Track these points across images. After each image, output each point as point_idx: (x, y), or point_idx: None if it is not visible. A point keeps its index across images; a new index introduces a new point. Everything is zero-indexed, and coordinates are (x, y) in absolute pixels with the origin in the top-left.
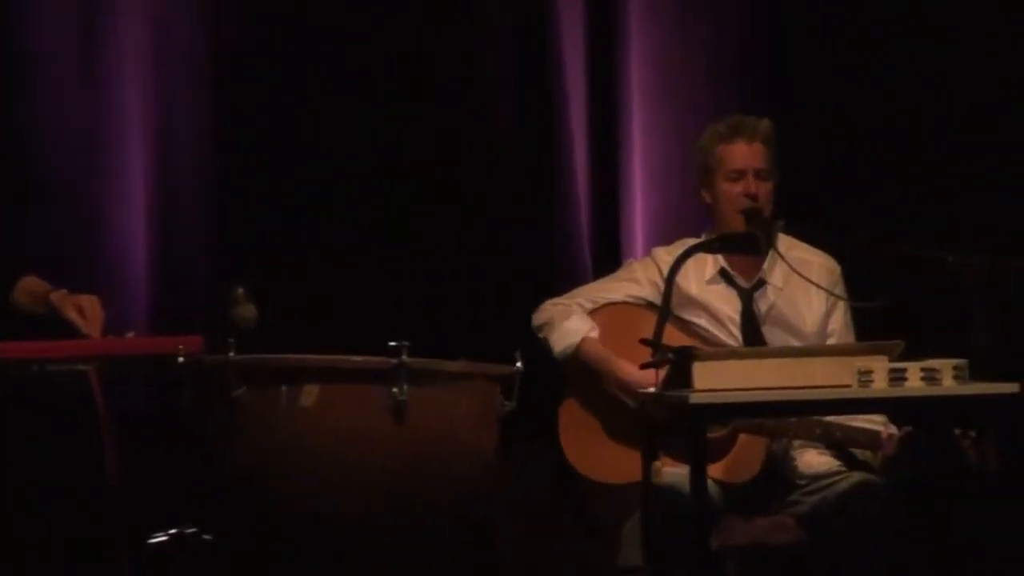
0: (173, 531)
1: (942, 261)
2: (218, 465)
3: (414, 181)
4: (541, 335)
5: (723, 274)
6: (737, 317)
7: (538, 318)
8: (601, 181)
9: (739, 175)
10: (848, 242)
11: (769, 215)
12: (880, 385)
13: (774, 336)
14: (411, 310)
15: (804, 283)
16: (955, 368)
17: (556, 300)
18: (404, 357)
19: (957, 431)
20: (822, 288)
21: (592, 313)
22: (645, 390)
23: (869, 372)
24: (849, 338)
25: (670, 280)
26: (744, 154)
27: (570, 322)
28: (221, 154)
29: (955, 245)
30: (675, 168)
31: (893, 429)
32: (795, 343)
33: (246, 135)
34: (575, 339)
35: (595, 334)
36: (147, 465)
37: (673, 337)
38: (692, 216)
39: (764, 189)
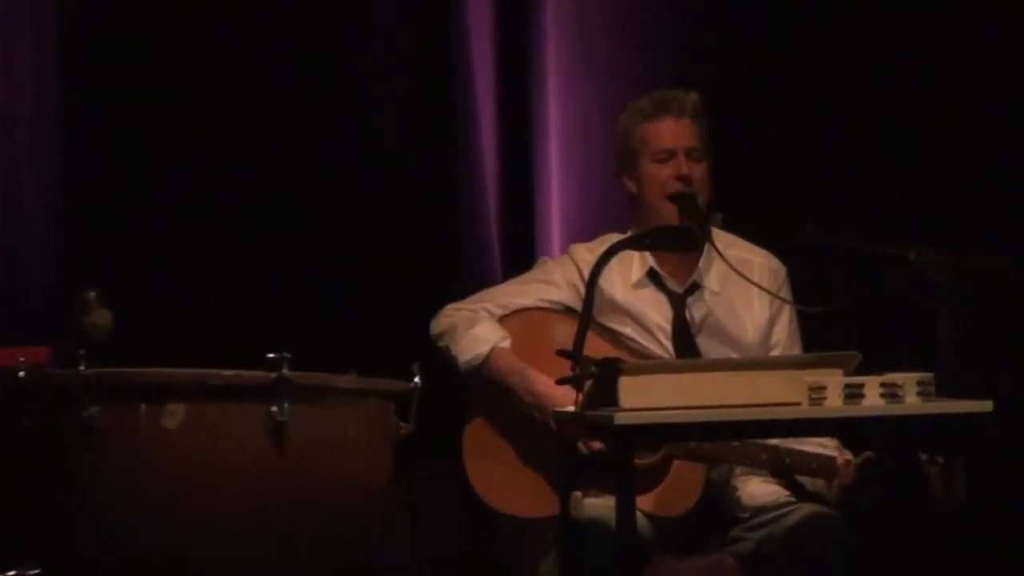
0: (12, 573)
1: (903, 259)
2: (66, 496)
3: (293, 166)
4: (442, 344)
5: (652, 276)
6: (668, 326)
7: (438, 325)
8: (511, 164)
9: (668, 155)
10: (794, 238)
11: (705, 205)
12: (834, 403)
13: (710, 347)
14: (293, 316)
15: (744, 287)
16: (920, 383)
17: (459, 305)
18: (285, 371)
19: (924, 456)
20: (765, 291)
21: (501, 320)
22: (564, 409)
23: (821, 388)
24: (795, 350)
25: (592, 282)
26: (672, 131)
27: (477, 329)
28: (68, 141)
29: (917, 241)
30: (597, 148)
31: (848, 455)
32: (734, 355)
33: (97, 120)
34: (483, 349)
35: (506, 344)
36: None
37: (595, 348)
38: (616, 205)
39: (698, 171)
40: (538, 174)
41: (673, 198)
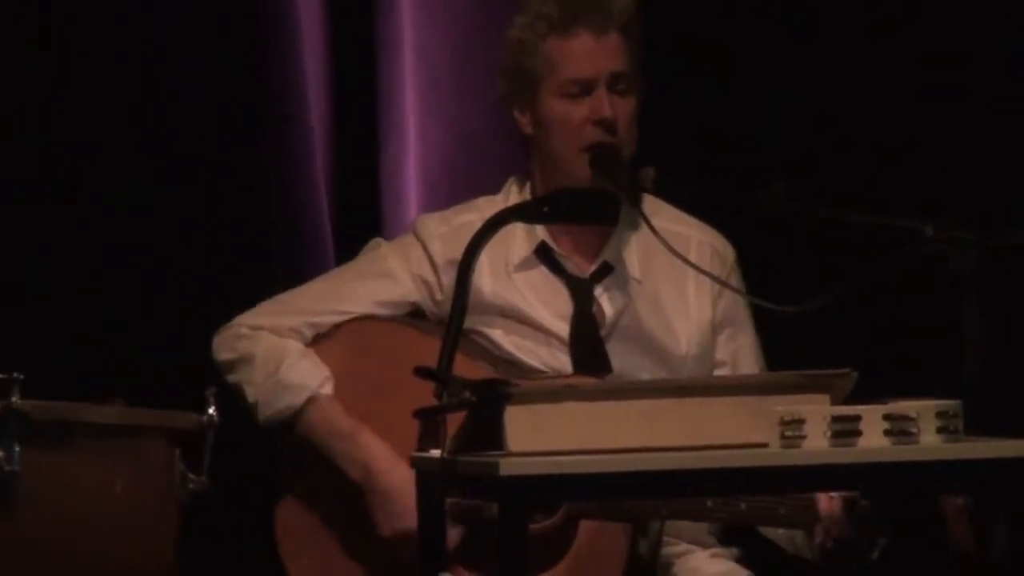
0: None
1: (916, 235)
2: None
3: (34, 116)
4: (233, 378)
5: (543, 253)
6: (565, 327)
7: (227, 348)
8: (348, 102)
9: (583, 88)
10: (755, 203)
11: (629, 158)
12: (817, 444)
13: (625, 359)
14: (28, 321)
15: (677, 274)
16: (940, 415)
17: (254, 317)
18: (15, 399)
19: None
20: (711, 277)
21: (317, 343)
22: (425, 454)
23: (799, 423)
24: (756, 369)
25: (467, 266)
26: (592, 52)
27: (287, 373)
28: None
29: (936, 212)
30: (471, 73)
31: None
32: (661, 373)
33: None
34: (295, 399)
35: (329, 388)
36: None
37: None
38: (503, 155)
39: (624, 109)
40: (385, 112)
41: (588, 151)
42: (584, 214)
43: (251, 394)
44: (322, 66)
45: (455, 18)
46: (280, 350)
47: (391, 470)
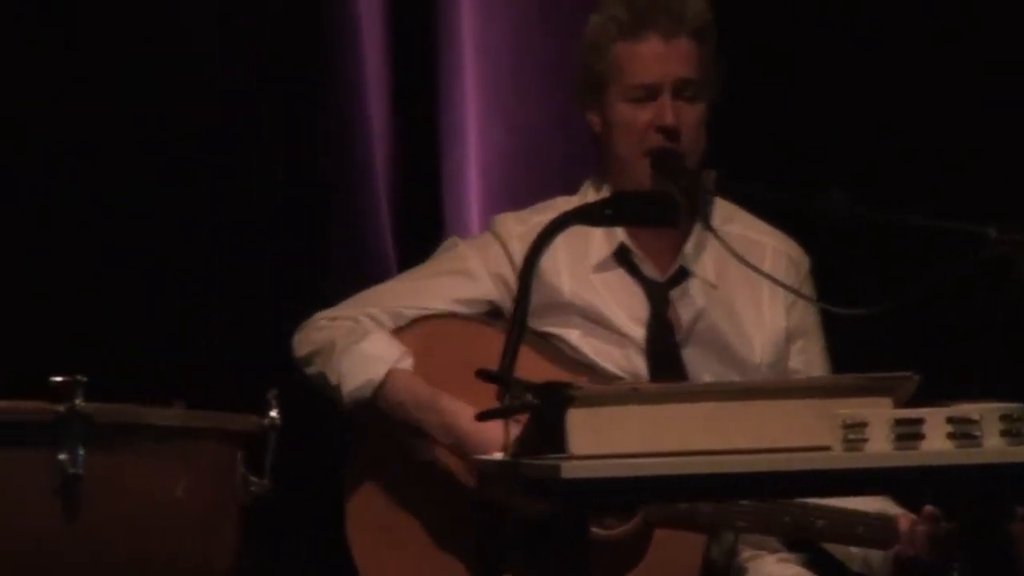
0: None
1: (979, 239)
2: None
3: (87, 112)
4: (312, 369)
5: (622, 256)
6: (642, 330)
7: (307, 342)
8: (408, 103)
9: (648, 93)
10: (813, 209)
11: (695, 163)
12: (880, 447)
13: (701, 364)
14: (90, 325)
15: (751, 282)
16: (1004, 418)
17: (333, 312)
18: (78, 401)
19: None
20: (785, 287)
21: (395, 334)
22: (487, 456)
23: (862, 426)
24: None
25: (529, 269)
26: (659, 57)
27: (366, 345)
28: None
29: (999, 215)
30: (535, 72)
31: (910, 515)
32: (734, 377)
33: None
34: (376, 373)
35: (408, 363)
36: None
37: (530, 367)
38: (566, 155)
39: (690, 116)
40: (446, 113)
41: (649, 154)
42: (645, 217)
43: (333, 378)
44: (382, 70)
45: (515, 17)
46: (359, 332)
47: (480, 430)
